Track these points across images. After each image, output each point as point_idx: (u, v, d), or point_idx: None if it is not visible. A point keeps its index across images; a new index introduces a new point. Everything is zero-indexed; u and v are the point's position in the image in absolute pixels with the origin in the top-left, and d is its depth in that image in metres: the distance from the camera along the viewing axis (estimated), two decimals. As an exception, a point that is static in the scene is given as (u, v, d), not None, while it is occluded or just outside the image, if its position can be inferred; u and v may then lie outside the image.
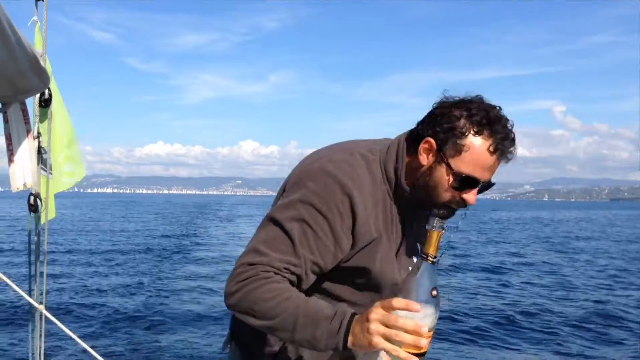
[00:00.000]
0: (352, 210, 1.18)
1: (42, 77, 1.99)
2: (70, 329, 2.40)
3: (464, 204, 1.22)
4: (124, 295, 9.76)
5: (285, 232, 1.16)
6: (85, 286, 10.52)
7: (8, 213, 38.14)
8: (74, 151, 2.79)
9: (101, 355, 2.66)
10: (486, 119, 1.15)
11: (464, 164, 1.17)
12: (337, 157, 1.24)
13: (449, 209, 1.23)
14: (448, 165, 1.18)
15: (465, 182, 1.18)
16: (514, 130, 1.19)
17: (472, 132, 1.15)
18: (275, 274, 1.13)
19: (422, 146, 1.21)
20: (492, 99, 1.22)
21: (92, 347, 2.56)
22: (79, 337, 2.50)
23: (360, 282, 1.29)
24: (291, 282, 1.16)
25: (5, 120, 2.12)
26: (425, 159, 1.21)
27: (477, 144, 1.16)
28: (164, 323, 7.78)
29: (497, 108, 1.20)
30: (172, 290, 10.34)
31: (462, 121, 1.16)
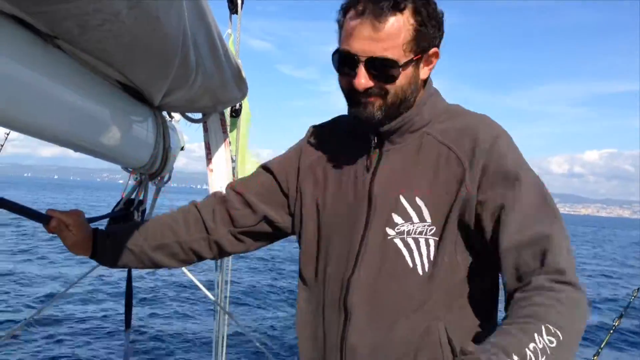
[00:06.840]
0: None
1: (242, 88, 2.02)
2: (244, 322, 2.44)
3: (355, 90, 1.09)
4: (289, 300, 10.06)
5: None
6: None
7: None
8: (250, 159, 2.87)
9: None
10: None
11: (340, 43, 1.10)
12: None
13: (357, 106, 1.11)
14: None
15: (338, 58, 1.10)
16: None
17: (345, 10, 1.09)
18: None
19: None
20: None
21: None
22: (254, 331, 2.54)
23: None
24: None
25: (205, 130, 2.21)
26: None
27: (344, 17, 1.09)
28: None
29: None
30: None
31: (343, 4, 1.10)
